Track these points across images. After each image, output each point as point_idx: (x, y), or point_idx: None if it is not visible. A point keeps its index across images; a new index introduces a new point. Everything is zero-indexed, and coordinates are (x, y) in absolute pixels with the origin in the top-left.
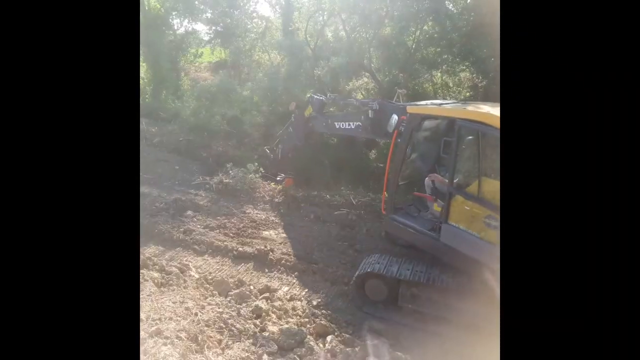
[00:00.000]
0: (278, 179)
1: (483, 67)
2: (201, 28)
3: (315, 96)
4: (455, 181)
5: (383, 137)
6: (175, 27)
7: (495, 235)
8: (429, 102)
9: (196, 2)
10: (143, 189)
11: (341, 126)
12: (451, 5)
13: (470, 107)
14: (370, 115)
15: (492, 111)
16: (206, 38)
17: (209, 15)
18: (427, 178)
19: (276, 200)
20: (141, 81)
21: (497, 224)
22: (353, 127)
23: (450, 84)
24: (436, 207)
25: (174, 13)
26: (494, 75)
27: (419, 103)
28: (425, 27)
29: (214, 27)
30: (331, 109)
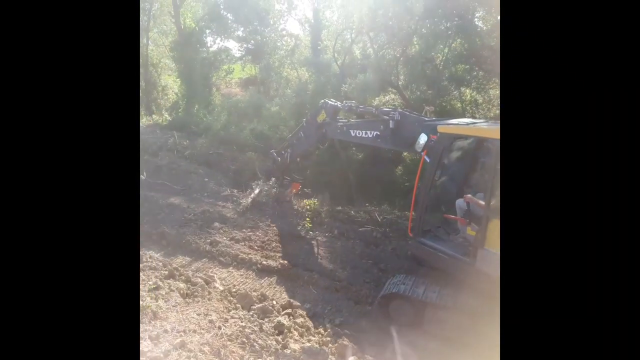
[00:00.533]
0: (284, 182)
1: None
2: (233, 45)
3: (330, 102)
4: (492, 204)
5: (403, 149)
6: (209, 45)
7: None
8: (459, 120)
9: (229, 21)
10: (173, 199)
11: (357, 134)
12: (480, 22)
13: None
14: (391, 126)
15: None
16: (237, 55)
17: (240, 33)
18: (460, 199)
19: (301, 213)
20: (175, 96)
21: None
22: (371, 136)
23: (480, 101)
24: (470, 231)
25: (207, 31)
26: None
27: (449, 122)
28: (454, 45)
29: (245, 45)
30: (351, 120)
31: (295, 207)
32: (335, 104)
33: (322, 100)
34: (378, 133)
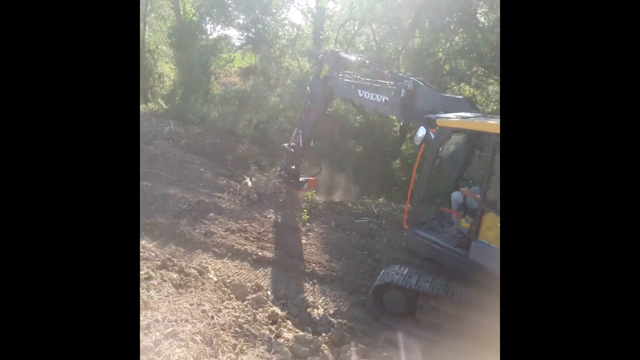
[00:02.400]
0: (301, 179)
1: None
2: (233, 33)
3: (329, 51)
4: (488, 197)
5: (411, 121)
6: (208, 32)
7: None
8: (457, 114)
9: (230, 8)
10: (168, 189)
11: (365, 95)
12: (483, 17)
13: None
14: (402, 95)
15: None
16: (237, 43)
17: (241, 21)
18: (456, 192)
19: (298, 205)
20: (172, 83)
21: None
22: (379, 100)
23: (478, 97)
24: (464, 223)
25: (207, 18)
26: None
27: (448, 115)
28: (457, 39)
29: (245, 33)
30: (361, 78)
31: (293, 197)
32: (337, 50)
33: (321, 54)
34: (387, 99)
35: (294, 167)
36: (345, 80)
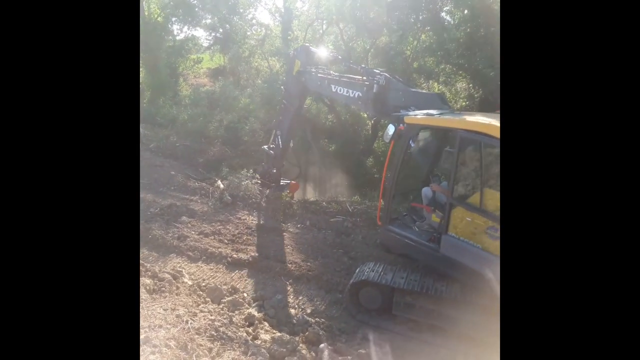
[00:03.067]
0: (282, 184)
1: (480, 77)
2: (201, 34)
3: (300, 47)
4: (455, 192)
5: (383, 117)
6: (175, 33)
7: (497, 247)
8: (425, 111)
9: (196, 9)
10: None
11: (338, 91)
12: (448, 16)
13: (471, 118)
14: (374, 90)
15: (493, 122)
16: (205, 44)
17: (208, 21)
18: (426, 188)
19: (273, 205)
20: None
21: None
22: (352, 95)
23: (447, 94)
24: (434, 218)
25: (173, 19)
26: (490, 86)
27: (415, 113)
28: (423, 37)
29: (213, 33)
30: (333, 73)
31: (267, 199)
32: (307, 44)
33: (291, 51)
34: (360, 94)
35: (275, 170)
36: (319, 75)
